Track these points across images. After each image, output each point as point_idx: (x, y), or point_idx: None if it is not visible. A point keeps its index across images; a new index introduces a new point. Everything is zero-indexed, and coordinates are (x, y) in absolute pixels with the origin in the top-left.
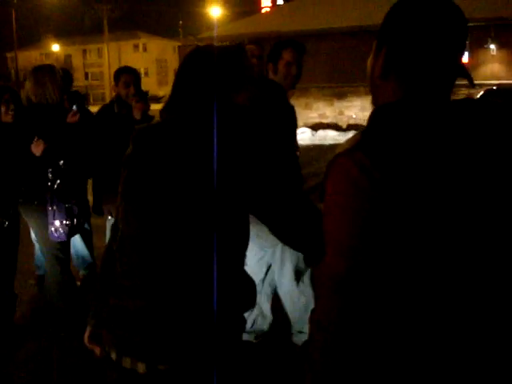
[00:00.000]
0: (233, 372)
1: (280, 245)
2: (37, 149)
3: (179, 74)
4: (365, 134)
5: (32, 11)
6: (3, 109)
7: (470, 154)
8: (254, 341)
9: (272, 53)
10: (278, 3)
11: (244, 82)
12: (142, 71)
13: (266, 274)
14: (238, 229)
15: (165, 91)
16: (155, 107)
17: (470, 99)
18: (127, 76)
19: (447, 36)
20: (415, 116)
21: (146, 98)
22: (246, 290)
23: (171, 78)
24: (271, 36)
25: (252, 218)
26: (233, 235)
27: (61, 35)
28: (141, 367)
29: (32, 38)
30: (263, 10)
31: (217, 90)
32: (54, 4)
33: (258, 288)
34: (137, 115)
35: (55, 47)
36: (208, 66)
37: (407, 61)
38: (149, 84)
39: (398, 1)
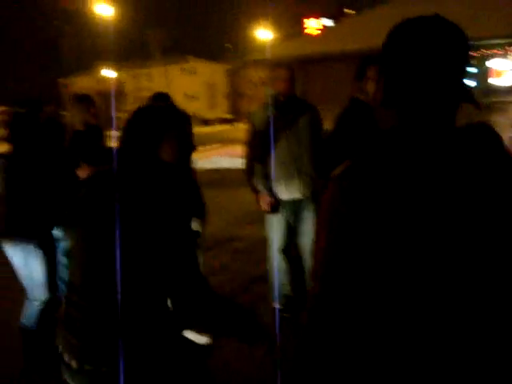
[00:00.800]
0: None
1: None
2: (83, 172)
3: (124, 131)
4: (354, 161)
5: (84, 39)
6: None
7: (443, 188)
8: None
9: (357, 71)
10: (323, 24)
11: (167, 141)
12: (192, 95)
13: None
14: (150, 272)
15: (213, 114)
16: (204, 130)
17: (476, 126)
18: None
19: (443, 62)
20: (399, 146)
21: None
22: (159, 320)
23: (220, 101)
24: (317, 57)
25: None
26: (147, 275)
27: (112, 61)
28: (87, 367)
29: (84, 64)
30: (307, 31)
31: (144, 148)
32: (105, 31)
33: None
34: None
35: (107, 73)
36: (138, 127)
37: (403, 89)
38: (198, 107)
39: (394, 27)
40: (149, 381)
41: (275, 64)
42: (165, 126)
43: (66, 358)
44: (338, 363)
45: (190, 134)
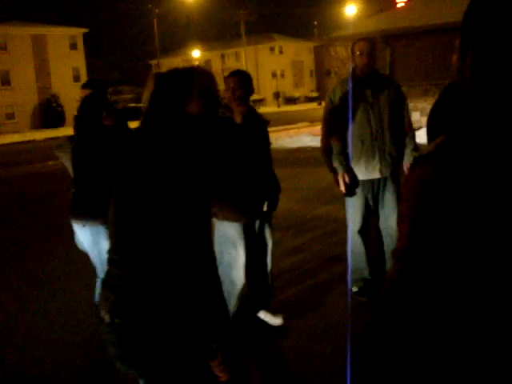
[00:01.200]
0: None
1: None
2: None
3: (152, 91)
4: (445, 138)
5: (173, 20)
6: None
7: None
8: None
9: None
10: None
11: (195, 97)
12: (279, 73)
13: None
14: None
15: (300, 92)
16: (291, 108)
17: None
18: (234, 79)
19: None
20: (492, 122)
21: (247, 102)
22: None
23: (307, 78)
24: (404, 31)
25: None
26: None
27: (200, 41)
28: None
29: (174, 45)
30: (398, 5)
31: (170, 106)
32: (193, 12)
33: None
34: (237, 119)
35: (195, 53)
36: (161, 89)
37: (498, 62)
38: (285, 85)
39: None
40: (176, 337)
41: (355, 38)
42: (190, 84)
43: (102, 313)
44: (408, 352)
45: (214, 92)
